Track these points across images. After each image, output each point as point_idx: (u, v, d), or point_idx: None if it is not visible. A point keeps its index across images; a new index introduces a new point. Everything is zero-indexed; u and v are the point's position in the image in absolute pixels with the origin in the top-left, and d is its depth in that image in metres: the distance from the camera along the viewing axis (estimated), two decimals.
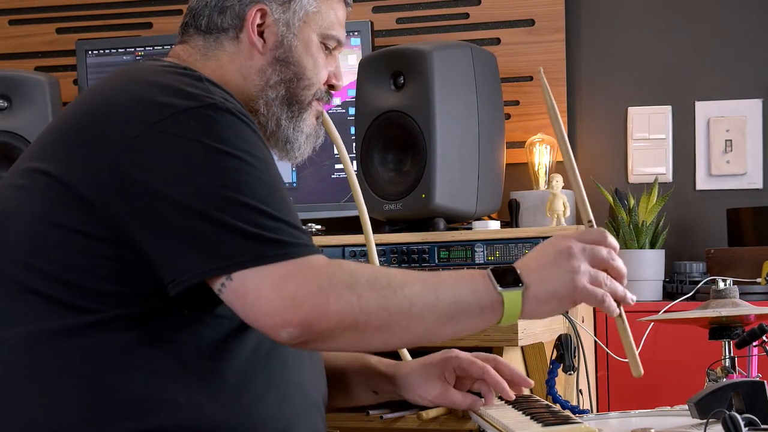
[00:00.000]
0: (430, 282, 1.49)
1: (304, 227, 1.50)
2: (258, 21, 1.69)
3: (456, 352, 1.80)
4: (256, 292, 1.42)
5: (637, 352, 1.62)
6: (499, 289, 1.49)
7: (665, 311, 2.57)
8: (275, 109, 1.71)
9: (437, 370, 1.79)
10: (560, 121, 1.64)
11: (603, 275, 1.53)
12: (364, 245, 2.29)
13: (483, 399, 1.76)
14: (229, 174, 1.46)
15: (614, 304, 1.54)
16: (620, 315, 1.59)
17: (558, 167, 2.96)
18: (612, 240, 1.55)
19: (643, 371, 1.61)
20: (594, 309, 2.68)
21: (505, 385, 1.76)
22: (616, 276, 1.55)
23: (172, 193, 1.44)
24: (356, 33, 2.96)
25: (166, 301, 1.47)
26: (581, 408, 1.85)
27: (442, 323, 1.48)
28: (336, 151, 2.93)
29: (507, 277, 1.50)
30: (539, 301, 1.51)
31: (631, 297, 1.57)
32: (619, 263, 1.55)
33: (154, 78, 1.56)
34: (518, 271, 1.50)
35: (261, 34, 1.70)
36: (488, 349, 2.12)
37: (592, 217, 1.62)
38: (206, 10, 1.71)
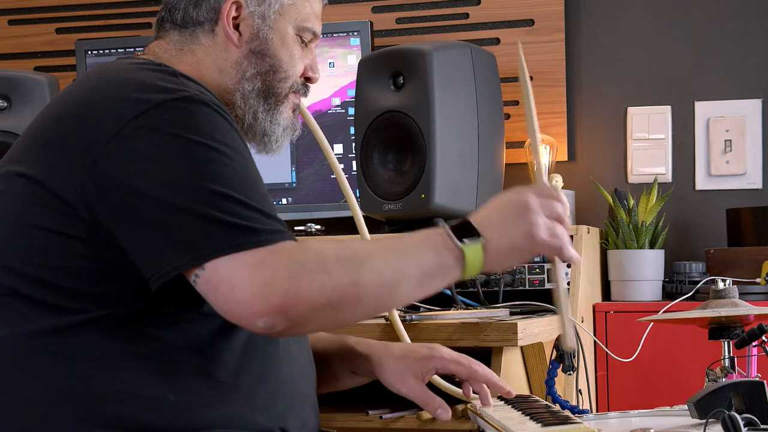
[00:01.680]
0: (393, 249, 1.51)
1: (278, 216, 1.50)
2: (233, 14, 1.69)
3: (440, 352, 1.80)
4: (230, 281, 1.42)
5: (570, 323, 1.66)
6: (459, 244, 1.51)
7: (665, 311, 2.57)
8: (252, 101, 1.71)
9: (417, 367, 1.79)
10: (530, 91, 1.73)
11: (560, 228, 1.56)
12: None
13: (449, 412, 1.76)
14: (203, 165, 1.46)
15: (572, 251, 1.58)
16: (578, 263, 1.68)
17: (557, 167, 2.96)
18: (563, 197, 1.60)
19: (573, 346, 1.67)
20: (594, 309, 2.68)
21: (497, 378, 1.76)
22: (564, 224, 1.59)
23: (148, 188, 1.45)
24: (356, 33, 2.96)
25: (151, 299, 1.47)
26: (581, 408, 1.85)
27: (411, 287, 1.50)
28: (336, 152, 2.95)
29: (465, 231, 1.53)
30: (499, 254, 1.54)
31: (577, 256, 1.61)
32: (568, 222, 1.60)
33: (128, 75, 1.57)
34: (475, 225, 1.53)
35: (236, 27, 1.70)
36: (487, 349, 2.12)
37: (545, 176, 1.67)
38: (182, 4, 1.71)
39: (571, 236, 2.50)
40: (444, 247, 1.51)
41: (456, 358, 1.79)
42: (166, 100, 1.50)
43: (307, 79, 1.78)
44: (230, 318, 1.44)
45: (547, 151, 2.95)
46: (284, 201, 3.01)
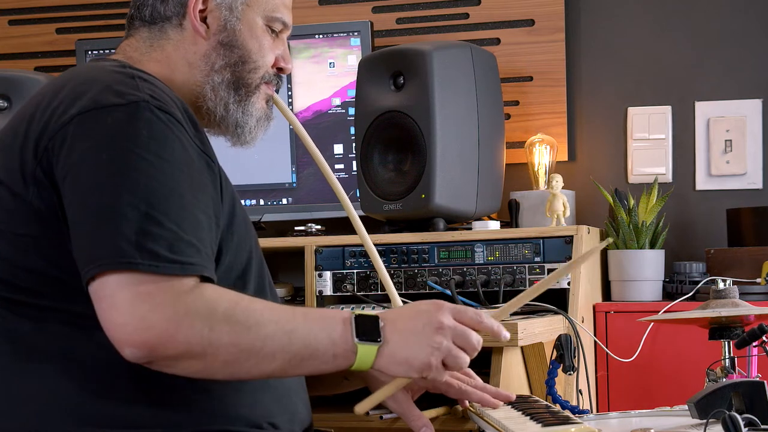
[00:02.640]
0: (286, 323, 1.48)
1: (198, 242, 1.46)
2: (200, 6, 1.69)
3: None
4: (111, 300, 1.41)
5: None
6: (356, 340, 1.50)
7: (665, 311, 2.57)
8: (222, 93, 1.71)
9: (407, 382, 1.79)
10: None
11: (462, 361, 1.54)
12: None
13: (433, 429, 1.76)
14: (126, 173, 1.45)
15: (463, 388, 1.66)
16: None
17: (558, 167, 2.96)
18: (489, 322, 1.57)
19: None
20: (594, 309, 2.68)
21: (489, 397, 1.76)
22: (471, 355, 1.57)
23: (74, 186, 1.46)
24: (356, 33, 2.96)
25: None
26: (581, 408, 1.85)
27: (292, 365, 1.49)
28: (336, 152, 2.95)
29: (368, 328, 1.51)
30: (392, 361, 1.52)
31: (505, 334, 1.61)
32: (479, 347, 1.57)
33: (88, 75, 1.57)
34: (381, 324, 1.52)
35: (204, 19, 1.70)
36: (488, 350, 2.12)
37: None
38: (149, 0, 1.71)
39: (571, 236, 2.50)
40: (341, 337, 1.50)
41: (446, 379, 1.78)
42: (112, 104, 1.49)
43: (280, 69, 1.77)
44: (106, 333, 1.43)
45: (547, 152, 2.95)
46: (284, 201, 3.01)
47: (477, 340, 1.55)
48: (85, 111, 1.49)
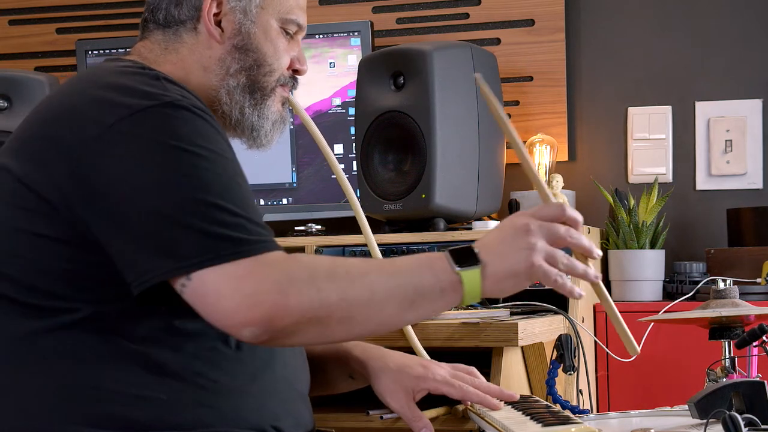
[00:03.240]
0: (389, 269, 1.49)
1: (262, 222, 1.49)
2: (214, 10, 1.69)
3: (434, 373, 1.79)
4: (216, 292, 1.41)
5: (628, 330, 1.56)
6: (457, 269, 1.48)
7: (665, 311, 2.57)
8: (237, 97, 1.70)
9: (410, 384, 1.79)
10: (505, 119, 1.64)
11: (560, 254, 1.51)
12: (364, 245, 2.28)
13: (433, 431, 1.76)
14: (185, 171, 1.45)
15: (569, 284, 1.51)
16: (600, 287, 1.55)
17: (558, 167, 2.96)
18: (571, 212, 1.53)
19: (639, 349, 1.56)
20: (594, 309, 2.68)
21: (489, 398, 1.76)
22: (579, 250, 1.53)
23: (130, 193, 1.45)
24: (356, 33, 2.96)
25: (139, 300, 1.47)
26: (581, 408, 1.85)
27: (403, 309, 1.48)
28: (336, 152, 2.95)
29: (465, 256, 1.49)
30: (497, 279, 1.49)
31: (594, 274, 1.54)
32: (580, 238, 1.52)
33: (110, 79, 1.56)
34: (476, 250, 1.50)
35: (218, 23, 1.69)
36: (488, 349, 2.12)
37: (549, 193, 1.59)
38: (163, 3, 1.70)
39: None
40: (442, 271, 1.48)
41: (448, 380, 1.78)
42: (147, 106, 1.49)
43: (295, 72, 1.77)
44: (217, 326, 1.44)
45: (547, 151, 2.95)
46: (284, 201, 3.01)
47: (565, 231, 1.51)
48: (121, 118, 1.48)
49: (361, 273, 1.47)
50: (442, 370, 1.81)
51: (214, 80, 1.69)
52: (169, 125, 1.48)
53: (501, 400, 1.77)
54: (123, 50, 3.16)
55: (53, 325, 1.49)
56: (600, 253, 1.55)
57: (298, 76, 1.77)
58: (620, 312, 1.57)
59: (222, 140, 1.53)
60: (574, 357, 1.89)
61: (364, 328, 1.49)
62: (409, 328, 2.01)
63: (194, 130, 1.49)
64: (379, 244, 2.58)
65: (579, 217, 1.54)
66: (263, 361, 1.59)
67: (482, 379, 1.81)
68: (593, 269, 1.54)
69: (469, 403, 1.79)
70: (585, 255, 1.53)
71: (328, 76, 2.97)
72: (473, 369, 1.81)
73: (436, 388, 1.78)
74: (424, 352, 1.99)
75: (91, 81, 1.58)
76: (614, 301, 2.80)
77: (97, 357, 1.48)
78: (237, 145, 1.78)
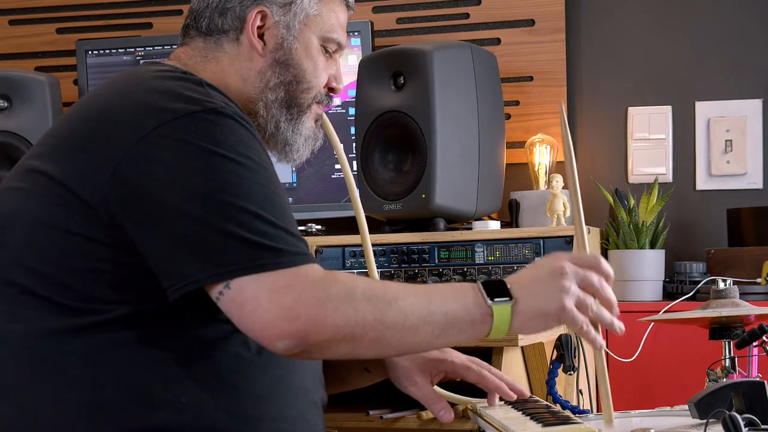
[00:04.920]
0: (423, 295, 1.50)
1: (300, 235, 1.50)
2: (258, 23, 1.69)
3: (451, 355, 1.80)
4: (254, 301, 1.41)
5: (610, 397, 1.62)
6: (489, 302, 1.49)
7: (665, 311, 2.57)
8: (274, 111, 1.71)
9: (427, 367, 1.79)
10: (573, 161, 1.64)
11: (591, 300, 1.53)
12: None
13: (452, 414, 1.76)
14: (228, 179, 1.46)
15: (593, 333, 1.54)
16: (600, 349, 1.60)
17: (558, 167, 2.96)
18: (606, 267, 1.56)
19: (613, 419, 1.62)
20: None
21: (505, 387, 1.76)
22: (606, 304, 1.55)
23: (171, 198, 1.44)
24: (356, 33, 2.96)
25: (167, 303, 1.47)
26: (581, 408, 1.85)
27: (434, 336, 1.49)
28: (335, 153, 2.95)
29: (497, 290, 1.51)
30: (527, 317, 1.51)
31: (620, 326, 1.56)
32: (609, 292, 1.55)
33: (154, 83, 1.56)
34: (508, 285, 1.51)
35: (261, 36, 1.70)
36: (489, 350, 2.12)
37: (586, 242, 1.63)
38: (207, 12, 1.71)
39: (571, 236, 2.50)
40: (474, 302, 1.50)
41: (466, 363, 1.79)
42: (191, 111, 1.49)
43: (331, 90, 1.77)
44: (251, 336, 1.44)
45: (547, 151, 2.95)
46: None
47: (598, 281, 1.53)
48: (164, 122, 1.47)
49: (397, 297, 1.48)
50: (460, 354, 1.81)
51: (253, 92, 1.69)
52: (212, 132, 1.48)
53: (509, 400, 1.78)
54: (123, 50, 3.16)
55: (78, 326, 1.48)
56: (623, 327, 1.57)
57: (333, 95, 1.78)
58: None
59: (263, 151, 1.54)
60: (574, 357, 1.89)
61: (394, 350, 1.52)
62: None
63: (237, 138, 1.49)
64: (379, 244, 2.59)
65: (611, 271, 1.57)
66: (282, 370, 1.59)
67: (496, 371, 1.81)
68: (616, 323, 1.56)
69: (470, 405, 1.79)
70: (607, 309, 1.55)
71: None
72: (485, 364, 1.82)
73: (454, 370, 1.78)
74: None
75: (133, 83, 1.58)
76: None
77: (118, 359, 1.48)
78: None
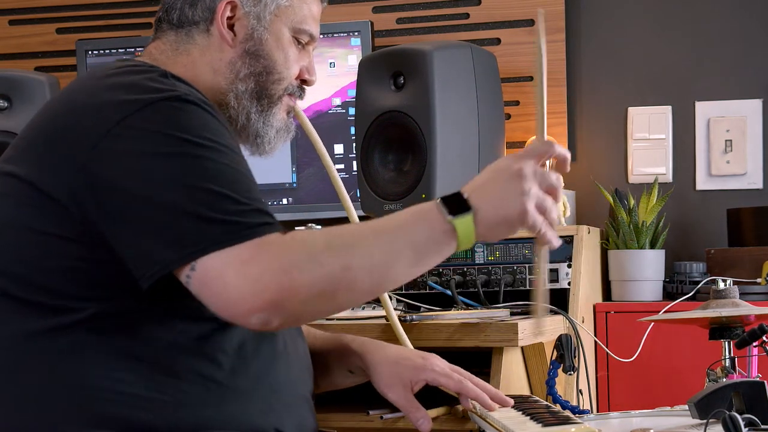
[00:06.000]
0: (383, 229, 1.49)
1: (267, 209, 1.49)
2: (228, 14, 1.70)
3: (433, 364, 1.79)
4: (221, 279, 1.41)
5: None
6: (449, 218, 1.48)
7: (665, 311, 2.57)
8: (245, 102, 1.71)
9: (408, 375, 1.79)
10: (543, 63, 1.60)
11: (550, 202, 1.52)
12: None
13: (431, 424, 1.76)
14: (193, 162, 1.46)
15: (554, 235, 1.54)
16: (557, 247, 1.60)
17: (558, 167, 2.96)
18: (560, 149, 1.56)
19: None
20: (594, 309, 2.68)
21: (486, 397, 1.76)
22: (556, 197, 1.54)
23: (136, 187, 1.45)
24: (356, 33, 2.96)
25: (144, 299, 1.47)
26: (581, 408, 1.85)
27: (404, 266, 1.48)
28: (336, 152, 2.95)
29: (456, 204, 1.49)
30: (490, 225, 1.50)
31: (557, 242, 1.56)
32: (560, 187, 1.55)
33: (119, 78, 1.57)
34: (465, 196, 1.49)
35: (231, 27, 1.70)
36: (488, 350, 2.12)
37: (544, 131, 1.60)
38: (178, 3, 1.72)
39: (572, 236, 2.50)
40: (435, 221, 1.48)
41: (447, 372, 1.78)
42: (155, 100, 1.50)
43: (303, 82, 1.77)
44: (224, 316, 1.44)
45: None
46: (284, 201, 3.01)
47: (557, 178, 1.54)
48: (129, 114, 1.48)
49: (358, 239, 1.47)
50: (442, 362, 1.81)
51: (223, 83, 1.70)
52: (176, 118, 1.49)
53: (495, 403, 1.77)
54: (123, 50, 3.16)
55: (57, 324, 1.49)
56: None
57: (306, 86, 1.78)
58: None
59: (227, 134, 1.54)
60: (574, 357, 1.89)
61: (370, 293, 1.50)
62: (396, 320, 2.01)
63: (201, 123, 1.50)
64: None
65: (567, 153, 1.58)
66: (267, 364, 1.59)
67: (479, 381, 1.81)
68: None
69: (471, 404, 1.79)
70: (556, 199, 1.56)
71: (328, 76, 2.97)
72: (470, 375, 1.81)
73: (434, 379, 1.78)
74: (407, 341, 1.99)
75: (99, 79, 1.59)
76: (614, 301, 2.82)
77: (99, 357, 1.48)
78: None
